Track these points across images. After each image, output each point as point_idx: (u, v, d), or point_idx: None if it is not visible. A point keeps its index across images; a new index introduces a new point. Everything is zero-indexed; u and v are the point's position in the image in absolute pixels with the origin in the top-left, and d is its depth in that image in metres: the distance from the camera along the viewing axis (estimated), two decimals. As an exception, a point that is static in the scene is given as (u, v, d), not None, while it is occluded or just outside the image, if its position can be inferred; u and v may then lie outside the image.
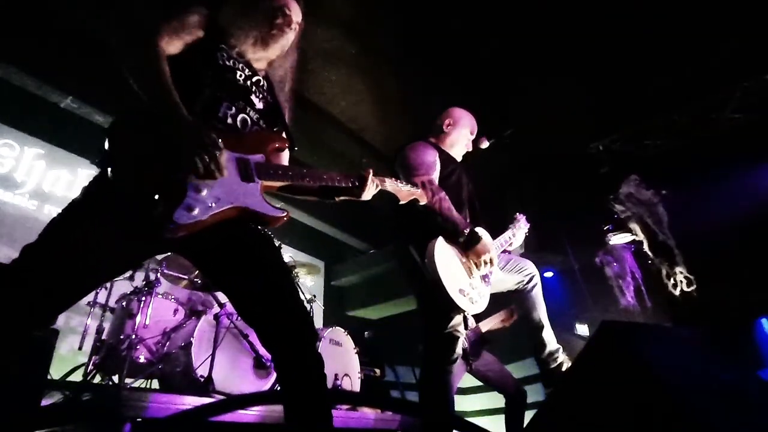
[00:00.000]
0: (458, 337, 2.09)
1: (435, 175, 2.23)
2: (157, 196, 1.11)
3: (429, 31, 4.09)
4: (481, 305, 2.12)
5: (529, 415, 2.68)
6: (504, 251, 2.42)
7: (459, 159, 2.54)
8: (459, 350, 2.10)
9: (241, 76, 1.47)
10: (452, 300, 1.95)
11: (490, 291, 2.21)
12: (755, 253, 4.61)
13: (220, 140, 1.20)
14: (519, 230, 2.55)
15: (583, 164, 5.50)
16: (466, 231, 2.09)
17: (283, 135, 1.56)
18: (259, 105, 1.50)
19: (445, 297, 1.95)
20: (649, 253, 5.36)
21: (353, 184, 1.55)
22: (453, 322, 2.07)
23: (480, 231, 2.16)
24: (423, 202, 1.88)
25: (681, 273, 5.13)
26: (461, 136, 2.53)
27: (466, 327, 2.15)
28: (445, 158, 2.38)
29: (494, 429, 2.14)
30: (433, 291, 1.98)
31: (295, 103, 1.71)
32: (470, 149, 2.59)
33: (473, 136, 2.59)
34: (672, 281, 5.18)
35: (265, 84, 1.57)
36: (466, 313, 2.10)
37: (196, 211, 1.15)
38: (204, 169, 1.17)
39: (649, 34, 4.00)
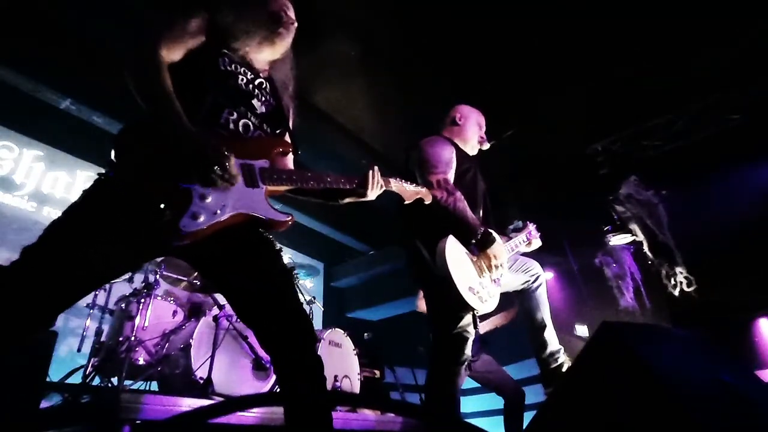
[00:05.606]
0: (467, 338, 2.05)
1: (451, 174, 2.21)
2: (163, 205, 1.12)
3: (429, 32, 4.10)
4: (491, 305, 2.08)
5: (528, 416, 2.68)
6: None
7: (472, 155, 2.51)
8: (468, 351, 2.06)
9: (242, 80, 1.46)
10: (462, 297, 1.91)
11: (500, 291, 2.17)
12: (755, 253, 4.62)
13: (227, 153, 1.20)
14: (534, 239, 2.47)
15: (583, 165, 5.51)
16: (480, 232, 2.06)
17: (287, 139, 1.55)
18: (261, 109, 1.49)
19: (455, 294, 1.91)
20: (649, 253, 5.37)
21: (358, 185, 1.55)
22: (462, 323, 2.03)
23: (493, 233, 2.13)
24: (428, 201, 1.87)
25: (681, 273, 5.14)
26: (473, 130, 2.50)
27: (475, 327, 2.09)
28: (461, 155, 2.34)
29: (493, 431, 2.13)
30: (442, 290, 1.94)
31: (297, 105, 1.70)
32: (482, 146, 2.54)
33: (483, 132, 2.54)
34: (672, 281, 5.18)
35: (268, 86, 1.56)
36: (475, 312, 2.06)
37: (201, 219, 1.15)
38: (220, 183, 1.18)
39: (648, 34, 4.01)
